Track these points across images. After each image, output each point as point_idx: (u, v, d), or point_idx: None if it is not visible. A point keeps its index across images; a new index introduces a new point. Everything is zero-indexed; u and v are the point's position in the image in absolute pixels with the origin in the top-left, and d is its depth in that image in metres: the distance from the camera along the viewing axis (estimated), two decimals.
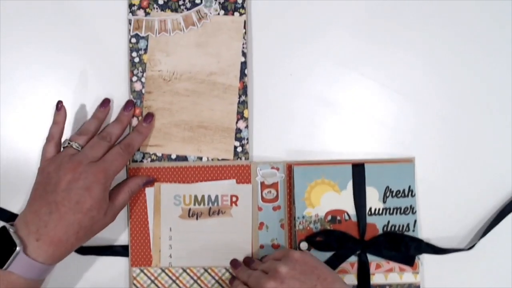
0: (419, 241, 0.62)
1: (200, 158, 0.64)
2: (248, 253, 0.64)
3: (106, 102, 0.64)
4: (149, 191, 0.64)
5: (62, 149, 0.61)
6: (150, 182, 0.64)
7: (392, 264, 0.62)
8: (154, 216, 0.65)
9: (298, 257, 0.56)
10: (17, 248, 0.53)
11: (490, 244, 0.63)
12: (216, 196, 0.64)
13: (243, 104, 0.64)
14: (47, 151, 0.60)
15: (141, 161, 0.64)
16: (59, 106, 0.62)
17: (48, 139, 0.61)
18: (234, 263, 0.63)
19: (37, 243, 0.54)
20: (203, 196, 0.64)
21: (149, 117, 0.63)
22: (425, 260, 0.63)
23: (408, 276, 0.62)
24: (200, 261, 0.64)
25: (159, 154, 0.65)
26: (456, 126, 0.65)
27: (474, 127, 0.65)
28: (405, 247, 0.62)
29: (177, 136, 0.64)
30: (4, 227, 0.55)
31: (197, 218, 0.65)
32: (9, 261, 0.53)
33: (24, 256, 0.54)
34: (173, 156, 0.65)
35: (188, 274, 0.64)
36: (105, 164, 0.58)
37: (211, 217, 0.64)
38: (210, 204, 0.64)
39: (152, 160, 0.65)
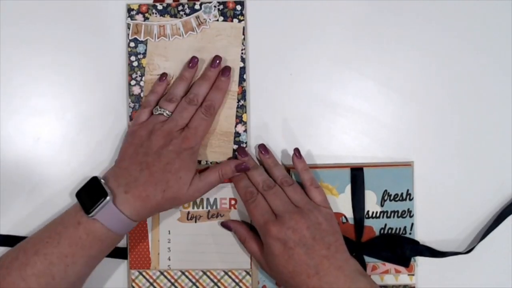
0: (415, 243, 0.63)
1: (199, 162, 0.65)
2: (247, 255, 0.64)
3: (194, 62, 0.63)
4: None
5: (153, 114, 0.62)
6: (243, 168, 0.62)
7: (388, 266, 0.63)
8: (153, 219, 0.65)
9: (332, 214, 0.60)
10: (107, 197, 0.56)
11: (486, 248, 0.64)
12: (215, 199, 0.65)
13: (241, 108, 0.65)
14: (140, 116, 0.63)
15: None
16: (163, 78, 0.64)
17: (144, 105, 0.63)
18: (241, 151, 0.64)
19: (125, 195, 0.57)
20: (201, 199, 0.65)
21: (227, 70, 0.63)
22: (421, 262, 0.64)
23: (403, 278, 0.63)
24: (199, 264, 0.65)
25: None
26: (456, 128, 0.65)
27: (474, 130, 0.65)
28: (400, 249, 0.63)
29: None
30: (95, 177, 0.58)
31: (196, 221, 0.65)
32: (97, 208, 0.55)
33: (112, 206, 0.56)
34: None
35: (186, 276, 0.65)
36: (191, 131, 0.60)
37: (210, 220, 0.65)
38: (209, 207, 0.65)
39: None
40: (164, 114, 0.61)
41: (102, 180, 0.58)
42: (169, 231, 0.65)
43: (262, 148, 0.64)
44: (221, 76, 0.63)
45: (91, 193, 0.57)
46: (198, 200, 0.65)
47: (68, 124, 0.66)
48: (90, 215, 0.56)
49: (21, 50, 0.66)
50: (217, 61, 0.63)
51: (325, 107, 0.66)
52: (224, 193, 0.65)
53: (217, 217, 0.65)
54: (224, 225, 0.64)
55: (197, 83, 0.63)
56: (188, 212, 0.65)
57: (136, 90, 0.65)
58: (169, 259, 0.65)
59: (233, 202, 0.65)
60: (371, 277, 0.63)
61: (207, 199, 0.65)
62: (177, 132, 0.60)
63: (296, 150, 0.63)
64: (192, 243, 0.65)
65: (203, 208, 0.65)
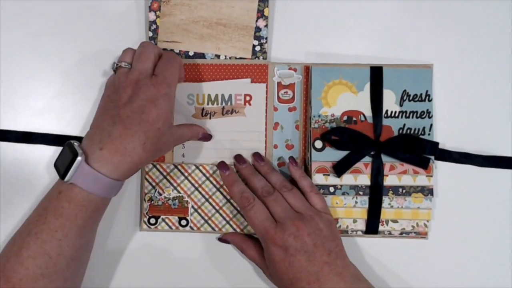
0: (435, 144, 0.62)
1: (218, 56, 0.64)
2: (261, 152, 0.64)
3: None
4: None
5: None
6: (206, 138, 0.63)
7: (406, 167, 0.62)
8: None
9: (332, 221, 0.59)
10: (78, 158, 0.51)
11: None
12: (230, 95, 0.64)
13: (263, 2, 0.64)
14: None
15: None
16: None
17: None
18: (239, 159, 0.63)
19: (100, 151, 0.52)
20: (216, 95, 0.64)
21: None
22: (439, 165, 0.64)
23: (421, 179, 0.62)
24: (213, 159, 0.64)
25: (177, 51, 0.64)
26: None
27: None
28: (420, 149, 0.61)
29: (196, 33, 0.64)
30: (69, 141, 0.54)
31: (210, 118, 0.64)
32: (70, 171, 0.51)
33: (86, 166, 0.52)
34: (191, 53, 0.64)
35: (200, 171, 0.64)
36: (159, 77, 0.56)
37: (224, 116, 0.64)
38: (224, 104, 0.64)
39: None
40: (123, 65, 0.57)
41: (75, 144, 0.53)
42: None
43: (257, 156, 0.63)
44: None
45: (65, 159, 0.53)
46: (213, 96, 0.64)
47: (68, 124, 0.65)
48: (65, 179, 0.52)
49: (21, 50, 0.65)
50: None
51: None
52: (239, 88, 0.64)
53: (231, 113, 0.64)
54: (222, 240, 0.64)
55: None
56: (203, 109, 0.64)
57: None
58: (183, 156, 0.64)
59: (248, 98, 0.64)
60: (388, 177, 0.62)
61: (222, 95, 0.64)
62: (145, 78, 0.55)
63: (291, 159, 0.63)
64: None
65: (217, 104, 0.64)
